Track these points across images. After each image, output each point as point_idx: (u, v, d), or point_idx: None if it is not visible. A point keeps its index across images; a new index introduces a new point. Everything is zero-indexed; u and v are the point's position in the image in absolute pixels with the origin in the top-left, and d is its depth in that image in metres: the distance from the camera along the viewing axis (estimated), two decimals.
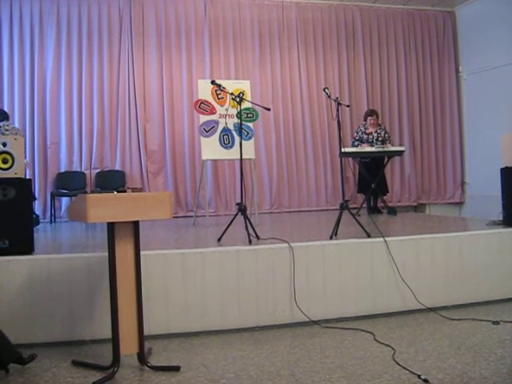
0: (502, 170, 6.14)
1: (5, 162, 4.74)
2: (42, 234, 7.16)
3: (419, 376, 3.39)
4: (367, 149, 8.75)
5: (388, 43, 11.51)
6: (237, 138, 7.69)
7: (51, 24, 9.72)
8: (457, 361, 3.70)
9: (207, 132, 7.82)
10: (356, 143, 9.17)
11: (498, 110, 10.33)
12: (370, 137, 9.11)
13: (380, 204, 9.39)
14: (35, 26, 9.67)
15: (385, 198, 9.43)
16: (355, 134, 9.38)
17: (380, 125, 9.41)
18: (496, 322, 4.64)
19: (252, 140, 8.12)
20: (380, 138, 9.05)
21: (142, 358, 3.74)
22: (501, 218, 6.16)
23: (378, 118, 9.38)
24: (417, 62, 11.67)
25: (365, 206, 9.23)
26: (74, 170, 9.69)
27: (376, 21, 11.45)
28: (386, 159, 9.10)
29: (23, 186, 4.73)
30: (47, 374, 3.67)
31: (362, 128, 9.30)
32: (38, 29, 9.67)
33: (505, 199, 6.12)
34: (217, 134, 7.86)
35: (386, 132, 9.25)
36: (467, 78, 11.60)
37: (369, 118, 9.26)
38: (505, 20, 10.16)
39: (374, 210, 9.25)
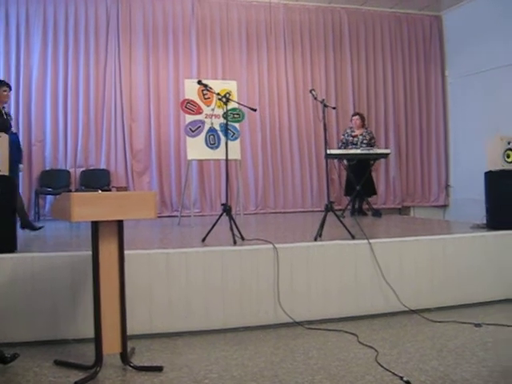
0: (485, 173, 6.19)
1: None
2: (25, 232, 7.11)
3: (401, 378, 3.41)
4: (352, 151, 8.79)
5: (375, 46, 11.55)
6: (223, 139, 7.69)
7: (37, 22, 9.64)
8: (439, 363, 3.72)
9: (193, 132, 7.82)
10: (342, 146, 9.23)
11: (483, 114, 10.40)
12: (356, 139, 9.17)
13: (365, 206, 9.42)
14: (21, 24, 9.58)
15: (370, 200, 9.46)
16: (342, 137, 9.45)
17: (366, 128, 9.49)
18: (478, 325, 4.67)
19: (238, 140, 8.12)
20: (365, 141, 9.13)
21: (125, 357, 3.73)
22: (484, 222, 6.20)
23: (363, 120, 9.46)
24: (403, 65, 11.71)
25: (349, 207, 9.26)
26: (58, 168, 9.63)
27: (363, 23, 11.49)
28: (372, 161, 9.16)
29: (8, 184, 4.69)
30: (29, 374, 3.64)
31: (349, 131, 9.38)
32: (25, 27, 9.59)
33: (488, 203, 6.16)
34: (203, 134, 7.86)
35: (371, 136, 9.32)
36: (453, 81, 11.67)
37: (352, 117, 9.46)
38: (491, 25, 10.23)
39: (359, 212, 9.30)
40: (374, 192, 9.59)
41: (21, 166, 8.54)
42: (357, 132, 9.26)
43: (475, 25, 10.72)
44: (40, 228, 6.92)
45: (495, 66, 10.14)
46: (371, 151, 8.76)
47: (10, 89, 6.78)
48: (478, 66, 10.62)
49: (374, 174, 9.90)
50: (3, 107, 6.69)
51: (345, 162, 9.30)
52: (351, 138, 9.22)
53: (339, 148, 9.21)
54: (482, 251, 5.61)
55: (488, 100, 10.34)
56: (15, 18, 9.57)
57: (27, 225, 6.85)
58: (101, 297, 3.59)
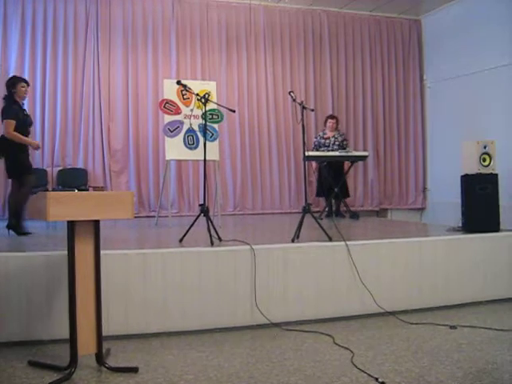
0: (461, 177, 6.24)
1: None
2: (0, 231, 7.04)
3: (377, 379, 3.43)
4: (331, 153, 8.82)
5: (354, 49, 11.61)
6: (201, 139, 7.66)
7: (15, 20, 9.55)
8: (414, 364, 3.74)
9: (172, 132, 7.80)
10: (314, 148, 9.28)
11: (461, 118, 10.50)
12: (328, 141, 9.23)
13: (342, 208, 9.46)
14: None
15: (347, 202, 9.51)
16: (314, 140, 9.49)
17: (338, 130, 9.54)
18: (453, 327, 4.71)
19: (217, 141, 8.11)
20: (337, 143, 9.18)
21: (100, 358, 3.71)
22: (460, 225, 6.26)
23: (337, 123, 9.52)
24: (382, 68, 11.79)
25: (326, 209, 9.30)
26: (35, 166, 9.51)
27: (343, 26, 11.55)
28: (346, 164, 9.21)
29: None
30: (2, 375, 3.60)
31: (321, 133, 9.47)
32: (2, 24, 9.50)
33: (464, 206, 6.22)
34: (181, 135, 7.84)
35: (343, 138, 9.39)
36: (431, 85, 11.78)
37: (329, 120, 9.47)
38: (469, 29, 10.34)
39: (336, 214, 9.33)
40: (347, 194, 9.60)
41: None
42: (329, 134, 9.33)
43: (454, 29, 10.84)
44: (27, 234, 6.59)
45: (472, 71, 10.24)
46: (349, 153, 8.80)
47: (28, 85, 6.66)
48: (455, 71, 10.73)
49: (350, 177, 9.94)
50: (22, 103, 6.62)
51: (313, 163, 9.36)
52: (323, 141, 9.27)
53: (312, 151, 9.24)
54: (457, 254, 5.66)
55: (465, 104, 10.45)
56: None
57: (16, 227, 6.57)
58: (76, 297, 3.57)
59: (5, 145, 6.33)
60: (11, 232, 6.47)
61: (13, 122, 6.26)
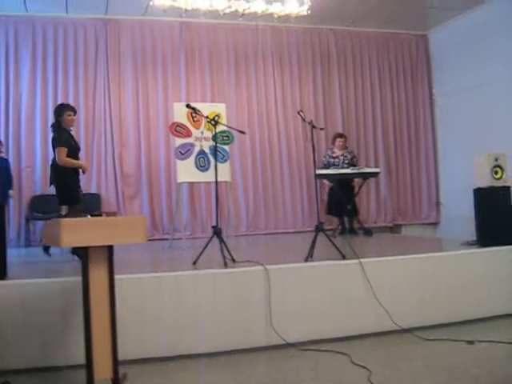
0: (474, 190, 6.22)
1: None
2: (15, 258, 7.08)
3: None
4: (342, 170, 8.80)
5: (362, 66, 11.64)
6: (212, 161, 7.70)
7: (27, 47, 9.69)
8: (432, 381, 3.71)
9: (183, 155, 7.84)
10: (323, 168, 9.23)
11: (471, 131, 10.46)
12: (337, 160, 9.20)
13: (356, 225, 9.43)
14: (10, 48, 9.64)
15: (360, 219, 9.49)
16: (323, 159, 9.45)
17: (347, 148, 9.52)
18: (471, 342, 4.67)
19: (228, 163, 8.15)
20: (346, 161, 9.16)
21: (117, 383, 3.70)
22: (475, 239, 6.22)
23: (346, 140, 9.51)
24: (391, 84, 11.80)
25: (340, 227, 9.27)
26: (48, 193, 9.59)
27: (350, 44, 11.58)
28: (355, 181, 9.21)
29: None
30: None
31: (329, 152, 9.42)
32: (13, 51, 9.64)
33: (478, 219, 6.19)
34: (192, 157, 7.89)
35: (353, 155, 9.37)
36: (440, 99, 11.76)
37: (338, 139, 9.41)
38: (476, 42, 10.34)
39: (350, 232, 9.29)
40: (356, 212, 9.53)
41: (11, 191, 8.55)
42: (337, 153, 9.30)
43: (461, 43, 10.84)
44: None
45: (482, 83, 10.22)
46: (361, 170, 8.77)
47: (75, 112, 6.71)
48: (464, 84, 10.71)
49: (362, 194, 9.90)
50: (70, 130, 6.70)
51: (325, 181, 9.37)
52: (332, 160, 9.24)
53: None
54: (472, 268, 5.62)
55: (476, 117, 10.42)
56: (4, 42, 9.62)
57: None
58: (91, 322, 3.58)
59: (58, 172, 6.44)
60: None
61: (64, 150, 6.35)
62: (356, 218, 9.30)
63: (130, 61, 10.24)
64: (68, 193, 6.49)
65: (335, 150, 9.38)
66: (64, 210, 6.71)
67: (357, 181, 9.23)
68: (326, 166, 9.20)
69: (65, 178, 6.44)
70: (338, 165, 9.13)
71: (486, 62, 10.13)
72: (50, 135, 6.73)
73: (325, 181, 9.34)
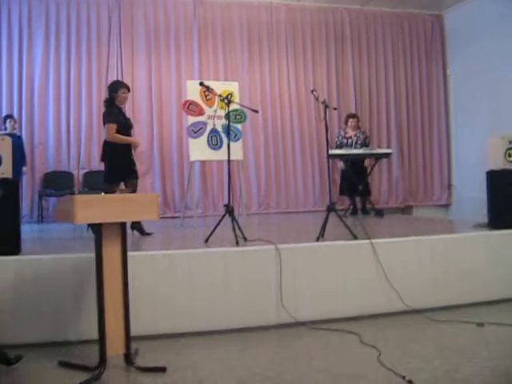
0: (487, 173, 6.19)
1: None
2: (29, 234, 7.13)
3: (404, 377, 3.42)
4: (355, 151, 8.78)
5: (376, 46, 11.57)
6: (225, 140, 7.71)
7: (40, 24, 9.71)
8: (441, 362, 3.72)
9: (195, 133, 7.84)
10: (336, 148, 9.20)
11: (485, 113, 10.40)
12: (350, 140, 9.18)
13: (367, 206, 9.42)
14: (23, 25, 9.66)
15: (372, 199, 9.48)
16: (336, 139, 9.43)
17: (360, 128, 9.50)
18: (481, 324, 4.67)
19: (240, 141, 8.15)
20: (359, 142, 9.13)
21: (129, 358, 3.75)
22: (486, 221, 6.20)
23: (358, 121, 9.48)
24: (405, 64, 11.73)
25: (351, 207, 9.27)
26: (61, 170, 9.66)
27: (365, 23, 11.51)
28: (367, 162, 9.19)
29: (11, 187, 4.72)
30: (34, 375, 3.67)
31: (342, 133, 9.39)
32: (27, 29, 9.66)
33: (490, 202, 6.16)
34: (205, 135, 7.89)
35: (365, 136, 9.34)
36: (455, 80, 11.69)
37: (350, 119, 9.38)
38: (492, 23, 10.24)
39: (362, 212, 9.28)
40: (368, 193, 9.52)
41: (24, 168, 8.61)
42: (350, 133, 9.27)
43: (476, 23, 10.74)
44: (150, 234, 6.60)
45: (497, 65, 10.14)
46: (373, 151, 8.75)
47: (129, 90, 6.69)
48: (479, 65, 10.62)
49: (374, 174, 9.87)
50: (122, 107, 6.70)
51: (340, 163, 9.35)
52: (345, 140, 9.22)
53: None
54: (484, 250, 5.61)
55: (490, 98, 10.35)
56: (17, 20, 9.65)
57: (139, 227, 6.59)
58: (104, 299, 3.61)
59: (109, 149, 6.42)
60: (135, 232, 6.51)
61: (114, 126, 6.32)
62: (368, 198, 9.29)
63: (143, 38, 10.23)
64: (120, 168, 6.41)
65: (348, 130, 9.35)
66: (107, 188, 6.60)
67: (368, 161, 9.21)
68: (339, 147, 9.18)
69: (116, 154, 6.39)
70: (351, 145, 9.11)
71: (501, 44, 10.04)
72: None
73: (337, 161, 9.33)
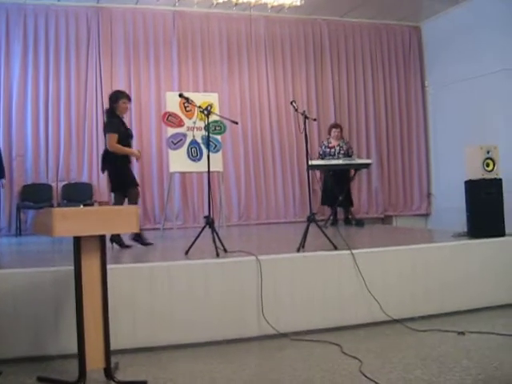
0: (465, 182, 6.24)
1: None
2: (6, 247, 7.06)
3: None
4: (334, 161, 8.82)
5: (355, 57, 11.63)
6: (205, 151, 7.71)
7: (18, 34, 9.63)
8: (423, 372, 3.73)
9: (175, 144, 7.84)
10: (319, 157, 9.24)
11: (463, 123, 10.48)
12: (333, 150, 9.21)
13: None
14: (1, 35, 9.58)
15: (352, 209, 9.51)
16: (319, 149, 9.47)
17: (343, 138, 9.54)
18: (461, 333, 4.69)
19: (220, 153, 8.16)
20: (342, 151, 9.16)
21: (109, 373, 3.70)
22: (465, 230, 6.24)
23: (341, 131, 9.51)
24: (383, 75, 11.80)
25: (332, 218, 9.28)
26: (40, 182, 9.57)
27: (343, 35, 11.57)
28: (352, 172, 9.21)
29: None
30: None
31: (326, 142, 9.42)
32: (5, 39, 9.58)
33: (469, 211, 6.21)
34: (185, 147, 7.89)
35: (348, 146, 9.38)
36: (433, 91, 11.79)
37: (333, 129, 9.40)
38: (469, 35, 10.34)
39: (345, 222, 9.29)
40: (350, 203, 9.56)
41: (2, 180, 8.51)
42: (334, 143, 9.30)
43: (454, 34, 10.85)
44: (128, 246, 6.44)
45: (474, 76, 10.24)
46: (353, 161, 8.79)
47: (130, 100, 6.67)
48: (457, 76, 10.72)
49: (354, 185, 9.91)
50: (123, 117, 6.67)
51: (317, 173, 9.39)
52: (328, 150, 9.25)
53: (317, 159, 9.22)
54: (463, 259, 5.65)
55: (467, 109, 10.44)
56: None
57: (118, 240, 6.46)
58: (84, 312, 3.58)
59: (108, 158, 6.41)
60: (115, 245, 6.44)
61: (115, 136, 6.33)
62: (349, 208, 9.33)
63: (122, 49, 10.19)
64: (119, 179, 6.44)
65: (331, 140, 9.38)
66: (113, 197, 6.70)
67: (353, 171, 9.24)
68: (322, 156, 9.22)
69: (115, 164, 6.40)
70: (334, 155, 9.14)
71: (478, 54, 10.15)
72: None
73: (317, 171, 9.36)
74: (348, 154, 9.18)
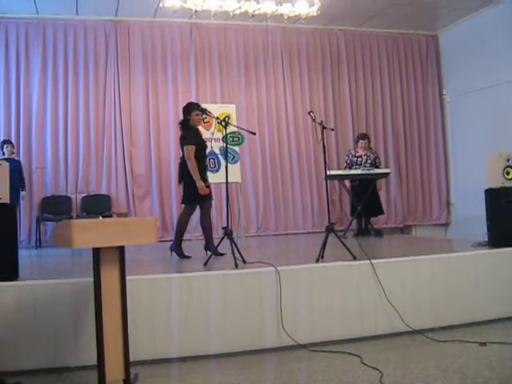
0: (485, 191, 6.18)
1: None
2: (27, 259, 7.10)
3: None
4: (352, 171, 8.79)
5: (372, 67, 11.61)
6: (223, 162, 7.72)
7: (37, 48, 9.76)
8: (444, 383, 3.69)
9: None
10: (346, 167, 9.20)
11: (482, 132, 10.42)
12: (360, 159, 9.14)
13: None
14: (21, 50, 9.71)
15: (371, 219, 9.44)
16: (346, 158, 9.42)
17: (371, 148, 9.48)
18: (483, 344, 4.63)
19: (238, 163, 8.16)
20: (369, 161, 9.09)
21: None
22: (486, 239, 6.18)
23: (369, 141, 9.46)
24: (401, 84, 11.76)
25: (351, 228, 9.20)
26: (59, 194, 9.64)
27: (360, 45, 11.57)
28: (380, 182, 9.27)
29: (8, 212, 4.70)
30: None
31: (353, 151, 9.36)
32: (24, 53, 9.71)
33: (489, 220, 6.15)
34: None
35: (376, 156, 9.30)
36: (451, 100, 11.73)
37: (360, 141, 9.32)
38: (486, 43, 10.30)
39: (363, 233, 9.20)
40: (381, 211, 9.51)
41: (23, 192, 8.61)
42: (361, 152, 9.23)
43: (471, 43, 10.81)
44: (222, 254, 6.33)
45: (492, 84, 10.18)
46: (371, 171, 8.75)
47: (203, 112, 6.62)
48: (475, 84, 10.67)
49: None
50: (197, 128, 6.73)
51: (346, 183, 9.34)
52: (355, 159, 9.19)
53: (344, 169, 9.19)
54: (484, 269, 5.59)
55: (486, 117, 10.38)
56: (15, 44, 9.70)
57: (210, 247, 6.59)
58: (103, 323, 3.59)
59: (187, 170, 6.45)
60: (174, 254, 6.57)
61: (193, 147, 6.39)
62: (372, 218, 9.30)
63: (140, 62, 10.26)
64: (193, 191, 6.43)
65: (359, 150, 9.32)
66: (184, 208, 6.79)
67: (379, 181, 9.20)
68: (349, 166, 9.17)
69: (192, 176, 6.43)
70: (361, 164, 9.09)
71: (496, 63, 10.09)
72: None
73: (346, 181, 9.34)
74: (375, 164, 9.12)
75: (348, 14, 10.62)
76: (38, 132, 9.65)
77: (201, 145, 6.55)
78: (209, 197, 6.62)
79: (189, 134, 6.52)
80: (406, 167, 11.63)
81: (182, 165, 6.58)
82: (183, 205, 6.79)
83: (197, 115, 6.54)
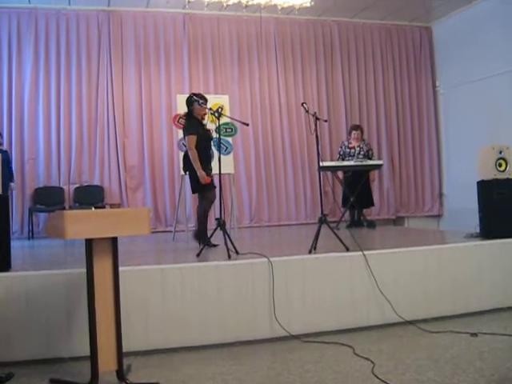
0: (478, 183, 6.20)
1: None
2: (19, 250, 7.09)
3: None
4: (345, 163, 8.80)
5: (366, 58, 11.60)
6: (216, 153, 7.68)
7: (29, 39, 9.70)
8: (435, 373, 3.71)
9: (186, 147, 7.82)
10: (339, 158, 9.21)
11: (475, 123, 10.43)
12: (353, 151, 9.15)
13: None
14: (13, 40, 9.64)
15: (364, 211, 9.46)
16: (339, 149, 9.43)
17: (364, 140, 9.48)
18: (474, 334, 4.66)
19: (231, 155, 8.15)
20: (362, 152, 9.10)
21: (121, 375, 3.71)
22: (478, 231, 6.21)
23: (362, 133, 9.46)
24: (394, 76, 11.76)
25: (344, 219, 9.22)
26: (52, 185, 9.62)
27: (354, 36, 11.55)
28: (373, 173, 9.30)
29: (0, 202, 4.69)
30: None
31: (346, 143, 9.38)
32: (16, 43, 9.64)
33: (481, 212, 6.17)
34: None
35: (369, 148, 9.31)
36: (444, 92, 11.73)
37: (353, 132, 9.32)
38: (480, 35, 10.30)
39: (356, 224, 9.22)
40: (371, 203, 9.54)
41: (12, 184, 8.55)
42: (354, 144, 9.24)
43: (464, 35, 10.81)
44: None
45: (485, 76, 10.19)
46: (364, 163, 8.76)
47: (206, 102, 6.61)
48: (468, 76, 10.68)
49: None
50: (202, 119, 6.69)
51: (339, 174, 9.35)
52: (348, 150, 9.19)
53: (337, 160, 9.20)
54: (476, 260, 5.61)
55: (479, 109, 10.39)
56: (7, 34, 9.62)
57: (201, 237, 6.58)
58: (96, 314, 3.59)
59: (188, 160, 6.48)
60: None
61: (194, 137, 6.39)
62: (364, 209, 9.32)
63: (133, 52, 10.22)
64: (198, 182, 6.44)
65: (352, 141, 9.32)
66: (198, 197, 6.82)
67: (372, 173, 9.21)
68: (342, 157, 9.19)
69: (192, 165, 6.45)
70: (354, 155, 9.10)
71: (489, 55, 10.10)
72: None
73: (339, 173, 9.36)
74: (368, 156, 9.13)
75: (342, 5, 10.59)
76: (30, 122, 9.61)
77: (203, 135, 6.53)
78: (210, 186, 6.59)
79: (190, 124, 6.53)
80: (398, 159, 11.64)
81: (185, 155, 6.63)
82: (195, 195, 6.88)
83: (199, 105, 6.52)
